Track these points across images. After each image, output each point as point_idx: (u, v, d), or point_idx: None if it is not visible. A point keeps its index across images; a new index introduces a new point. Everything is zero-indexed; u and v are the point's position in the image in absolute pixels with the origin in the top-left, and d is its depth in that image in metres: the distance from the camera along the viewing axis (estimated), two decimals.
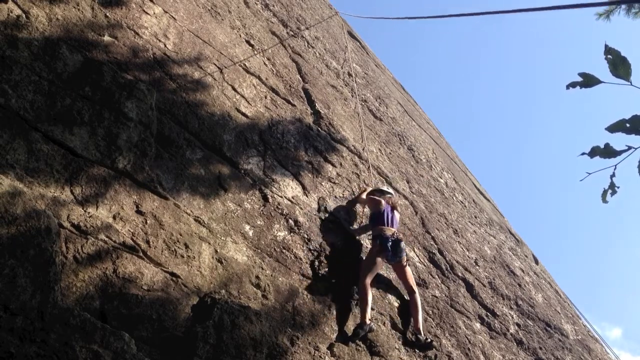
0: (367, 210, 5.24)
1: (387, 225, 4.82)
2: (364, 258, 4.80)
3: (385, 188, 5.58)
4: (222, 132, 4.34)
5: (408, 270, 4.89)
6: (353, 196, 5.40)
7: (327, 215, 4.85)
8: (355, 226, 5.13)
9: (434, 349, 4.59)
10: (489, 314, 6.11)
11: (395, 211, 5.14)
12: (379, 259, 4.62)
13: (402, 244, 4.72)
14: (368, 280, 4.41)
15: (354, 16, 15.85)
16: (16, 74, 3.05)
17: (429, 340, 4.55)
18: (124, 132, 3.45)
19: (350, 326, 4.07)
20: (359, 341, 4.00)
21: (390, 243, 4.64)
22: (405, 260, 4.84)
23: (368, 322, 4.17)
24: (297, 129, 5.44)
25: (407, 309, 4.74)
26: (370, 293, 4.38)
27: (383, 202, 5.04)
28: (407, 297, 4.85)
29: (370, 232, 4.94)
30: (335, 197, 5.18)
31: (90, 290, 2.64)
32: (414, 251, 5.76)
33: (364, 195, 5.30)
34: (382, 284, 4.75)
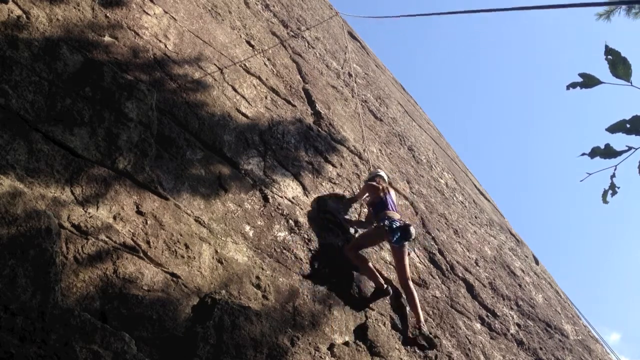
0: (366, 201, 5.28)
1: (392, 210, 4.86)
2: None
3: (379, 172, 5.56)
4: (223, 133, 4.34)
5: (406, 257, 4.85)
6: (353, 196, 5.40)
7: (327, 215, 4.85)
8: (355, 224, 5.13)
9: (435, 348, 4.58)
10: (489, 314, 6.11)
11: (392, 193, 5.24)
12: (378, 240, 4.76)
13: (412, 230, 4.66)
14: (357, 251, 4.58)
15: (354, 16, 15.86)
16: (16, 74, 3.05)
17: (431, 334, 4.54)
18: (124, 132, 3.45)
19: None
20: (359, 341, 4.00)
21: (399, 225, 4.64)
22: (407, 247, 4.87)
23: (384, 286, 4.46)
24: (297, 129, 5.44)
25: (401, 310, 4.73)
26: (366, 258, 4.57)
27: (381, 187, 5.07)
28: (402, 290, 4.80)
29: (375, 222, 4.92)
30: (336, 197, 5.18)
31: (91, 290, 2.64)
32: (414, 251, 5.76)
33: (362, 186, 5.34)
34: None
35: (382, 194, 4.97)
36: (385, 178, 5.42)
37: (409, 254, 5.00)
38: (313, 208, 4.74)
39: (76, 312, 2.49)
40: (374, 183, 5.14)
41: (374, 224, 4.83)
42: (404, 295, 4.79)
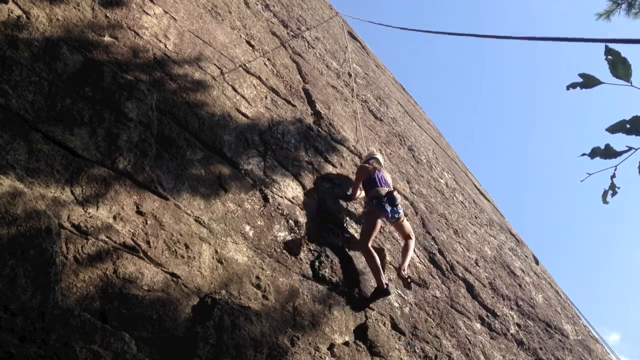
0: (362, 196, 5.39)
1: (381, 186, 4.96)
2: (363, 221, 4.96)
3: (375, 155, 5.74)
4: (223, 133, 4.34)
5: (406, 223, 5.15)
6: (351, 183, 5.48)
7: (327, 215, 4.85)
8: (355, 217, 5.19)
9: (409, 289, 4.78)
10: (489, 314, 6.11)
11: (384, 172, 5.36)
12: (378, 221, 4.79)
13: (397, 195, 4.86)
14: (370, 244, 4.58)
15: (354, 18, 15.90)
16: (16, 74, 3.05)
17: (409, 280, 4.72)
18: (124, 132, 3.45)
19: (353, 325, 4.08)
20: (359, 341, 4.00)
21: (385, 199, 4.80)
22: (403, 216, 5.05)
23: (385, 285, 4.40)
24: (297, 129, 5.45)
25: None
26: (376, 255, 4.55)
27: (370, 167, 5.24)
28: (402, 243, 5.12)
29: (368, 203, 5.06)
30: (336, 197, 5.18)
31: (91, 290, 2.64)
32: (415, 251, 5.76)
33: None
34: None
35: (371, 173, 5.14)
36: (381, 161, 5.61)
37: (405, 219, 5.20)
38: (313, 208, 4.75)
39: (76, 312, 2.49)
40: (366, 165, 5.32)
41: (368, 206, 4.98)
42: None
